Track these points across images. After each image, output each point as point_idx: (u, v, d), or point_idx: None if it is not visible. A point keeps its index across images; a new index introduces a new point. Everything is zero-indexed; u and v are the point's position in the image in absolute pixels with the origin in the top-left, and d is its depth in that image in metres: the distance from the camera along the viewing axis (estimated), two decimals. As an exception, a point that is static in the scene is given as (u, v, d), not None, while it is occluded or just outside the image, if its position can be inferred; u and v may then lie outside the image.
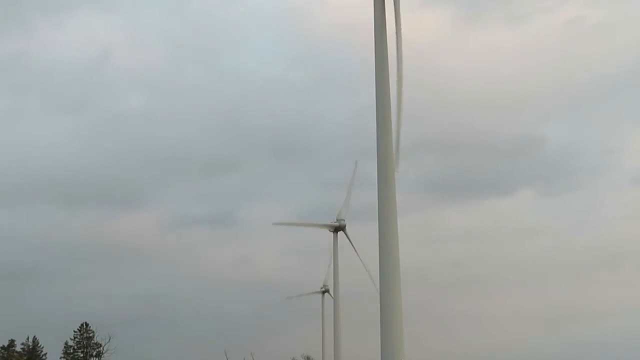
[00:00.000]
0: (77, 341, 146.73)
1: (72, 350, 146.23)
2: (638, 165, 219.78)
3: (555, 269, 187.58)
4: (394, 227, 36.66)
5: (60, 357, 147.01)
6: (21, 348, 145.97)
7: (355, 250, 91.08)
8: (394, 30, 37.95)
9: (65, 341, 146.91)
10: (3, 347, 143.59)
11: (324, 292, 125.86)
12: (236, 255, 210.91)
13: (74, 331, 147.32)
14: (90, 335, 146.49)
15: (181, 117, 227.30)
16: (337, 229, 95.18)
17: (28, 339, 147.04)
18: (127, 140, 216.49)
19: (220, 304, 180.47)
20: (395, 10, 38.40)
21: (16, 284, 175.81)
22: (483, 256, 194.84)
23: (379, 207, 37.08)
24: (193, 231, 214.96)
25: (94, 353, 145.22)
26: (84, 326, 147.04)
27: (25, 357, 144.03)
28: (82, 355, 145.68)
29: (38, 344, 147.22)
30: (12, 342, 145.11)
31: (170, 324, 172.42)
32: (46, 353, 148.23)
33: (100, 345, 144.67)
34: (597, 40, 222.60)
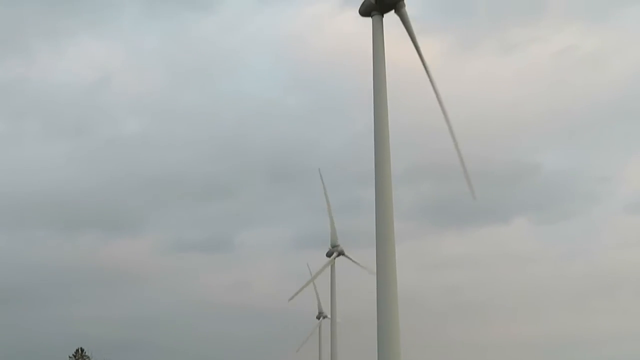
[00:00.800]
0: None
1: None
2: (632, 193, 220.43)
3: (552, 297, 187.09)
4: (392, 253, 36.63)
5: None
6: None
7: (360, 265, 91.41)
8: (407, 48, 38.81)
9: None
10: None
11: (320, 317, 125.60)
12: (233, 280, 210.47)
13: (70, 357, 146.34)
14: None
15: (179, 142, 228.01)
16: (338, 254, 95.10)
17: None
18: (124, 165, 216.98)
19: (217, 328, 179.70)
20: (407, 28, 39.10)
21: (11, 308, 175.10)
22: (480, 283, 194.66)
23: (376, 233, 37.07)
24: (190, 256, 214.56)
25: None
26: (80, 352, 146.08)
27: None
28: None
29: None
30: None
31: (166, 349, 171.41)
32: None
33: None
34: (591, 69, 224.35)
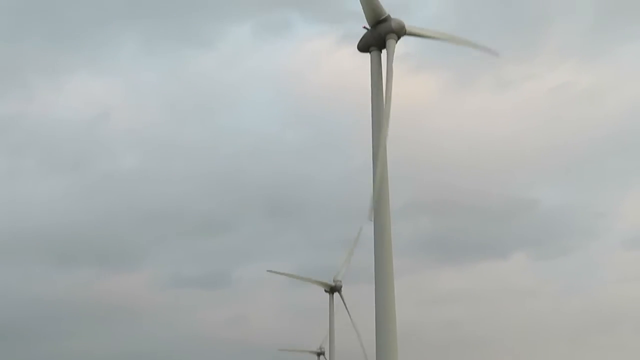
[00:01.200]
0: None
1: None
2: (630, 228, 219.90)
3: (551, 332, 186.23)
4: (391, 288, 36.55)
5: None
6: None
7: (349, 313, 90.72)
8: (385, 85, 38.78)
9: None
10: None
11: (319, 355, 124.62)
12: (230, 315, 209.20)
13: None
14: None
15: (177, 177, 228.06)
16: (333, 289, 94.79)
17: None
18: (122, 200, 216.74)
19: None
20: (387, 67, 39.29)
21: (8, 343, 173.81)
22: (479, 318, 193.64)
23: (375, 269, 37.00)
24: (187, 291, 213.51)
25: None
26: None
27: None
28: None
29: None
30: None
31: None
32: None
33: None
34: (587, 105, 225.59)
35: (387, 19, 40.07)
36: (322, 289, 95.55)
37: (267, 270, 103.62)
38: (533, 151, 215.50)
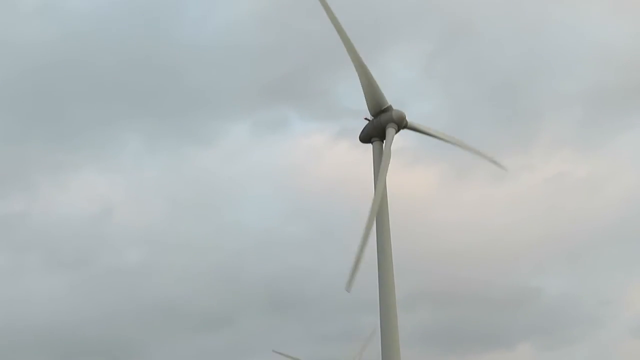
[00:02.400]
0: None
1: None
2: (636, 316, 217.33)
3: None
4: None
5: None
6: None
7: None
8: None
9: None
10: None
11: None
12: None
13: None
14: None
15: (179, 273, 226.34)
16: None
17: None
18: (125, 296, 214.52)
19: None
20: (384, 152, 39.52)
21: None
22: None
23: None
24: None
25: None
26: None
27: None
28: None
29: None
30: None
31: None
32: None
33: None
34: (585, 194, 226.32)
35: (388, 109, 40.36)
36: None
37: (273, 350, 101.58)
38: (534, 240, 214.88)
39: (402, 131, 40.66)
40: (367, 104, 40.66)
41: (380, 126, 40.26)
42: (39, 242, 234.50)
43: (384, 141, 40.12)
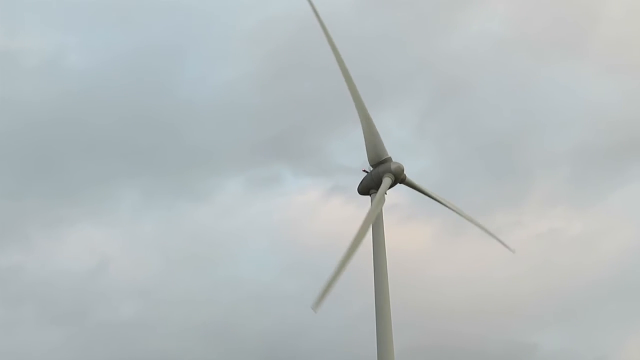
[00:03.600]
0: None
1: None
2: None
3: None
4: None
5: None
6: None
7: None
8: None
9: None
10: None
11: None
12: None
13: None
14: None
15: (175, 327, 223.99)
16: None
17: None
18: (119, 350, 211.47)
19: None
20: (377, 197, 39.47)
21: None
22: None
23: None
24: None
25: None
26: None
27: None
28: None
29: None
30: None
31: None
32: None
33: None
34: (579, 250, 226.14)
35: (388, 160, 40.38)
36: None
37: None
38: (529, 294, 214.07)
39: (399, 185, 40.75)
40: (367, 154, 40.60)
41: (378, 177, 40.09)
42: (35, 295, 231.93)
43: (379, 189, 39.89)
